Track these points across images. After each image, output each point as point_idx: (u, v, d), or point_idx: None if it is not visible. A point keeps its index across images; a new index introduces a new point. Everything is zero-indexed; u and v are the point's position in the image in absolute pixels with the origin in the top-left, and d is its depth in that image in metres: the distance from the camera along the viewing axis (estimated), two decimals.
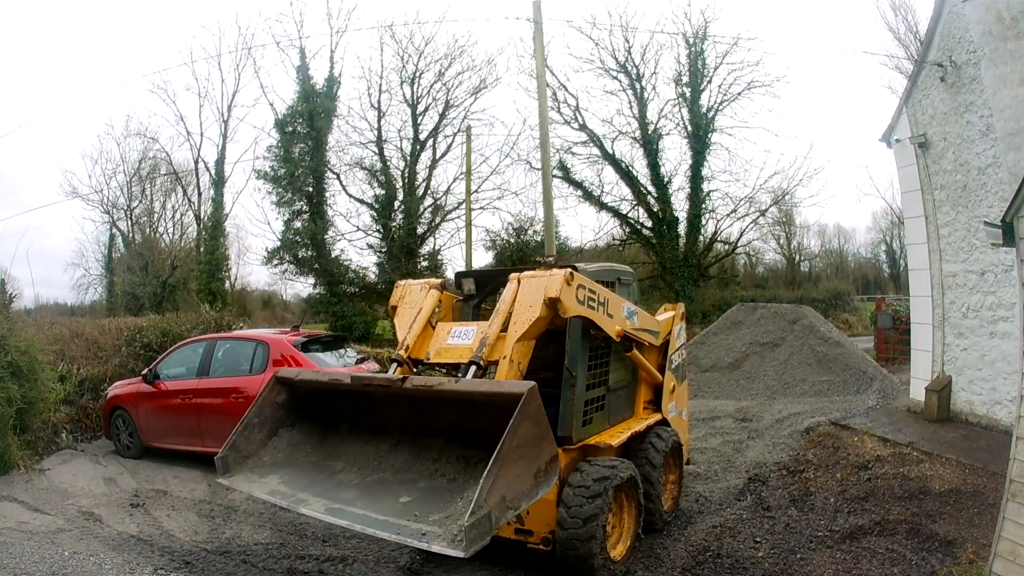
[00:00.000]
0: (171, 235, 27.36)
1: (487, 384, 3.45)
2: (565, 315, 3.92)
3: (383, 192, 20.85)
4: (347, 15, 31.25)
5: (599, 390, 4.73)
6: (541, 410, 3.10)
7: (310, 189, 20.46)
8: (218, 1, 41.16)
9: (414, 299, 4.46)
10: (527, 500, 3.07)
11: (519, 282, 3.98)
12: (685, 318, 6.10)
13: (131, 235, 26.58)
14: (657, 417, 5.42)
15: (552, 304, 3.81)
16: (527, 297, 3.90)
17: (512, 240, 21.32)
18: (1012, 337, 6.74)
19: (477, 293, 4.94)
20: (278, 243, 20.58)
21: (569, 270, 3.94)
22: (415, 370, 4.10)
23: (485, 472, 2.80)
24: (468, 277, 4.96)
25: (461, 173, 20.99)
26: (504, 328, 3.85)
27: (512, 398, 3.01)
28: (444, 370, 4.12)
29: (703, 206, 22.10)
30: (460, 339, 4.05)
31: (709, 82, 21.66)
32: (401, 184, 21.04)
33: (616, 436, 4.68)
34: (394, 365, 4.07)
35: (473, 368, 3.66)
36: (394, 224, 20.57)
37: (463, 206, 20.79)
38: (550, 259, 4.29)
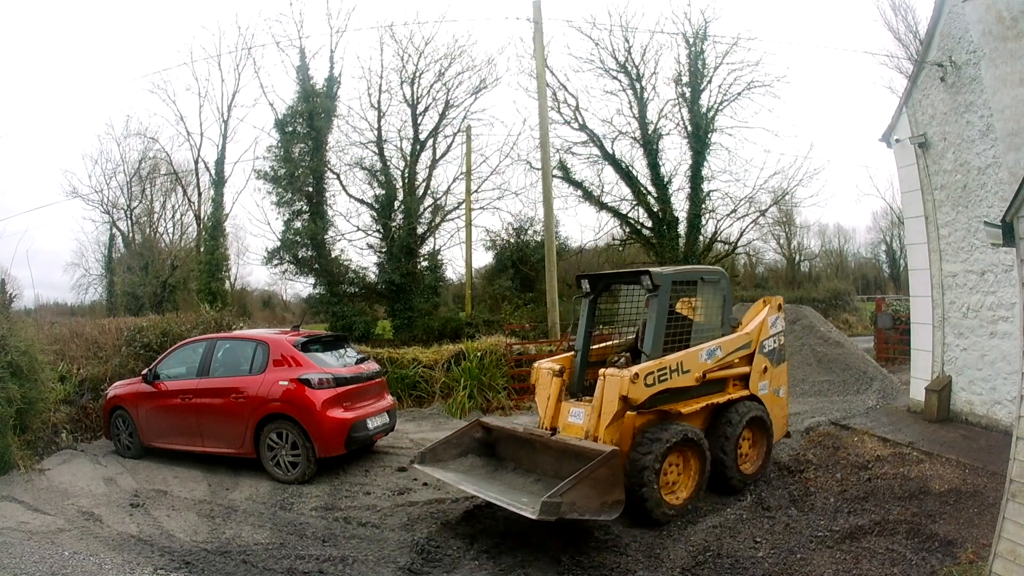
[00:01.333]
0: (171, 235, 27.38)
1: (597, 445, 5.14)
2: (636, 403, 5.32)
3: (383, 192, 20.83)
4: (347, 15, 31.35)
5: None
6: (618, 466, 4.88)
7: (310, 189, 20.43)
8: (218, 1, 41.15)
9: (544, 382, 6.12)
10: (589, 514, 4.65)
11: (605, 379, 5.45)
12: (781, 307, 6.93)
13: (131, 235, 26.58)
14: (744, 393, 6.32)
15: (624, 399, 5.26)
16: (609, 393, 5.38)
17: (512, 240, 21.31)
18: (1012, 337, 6.74)
19: (592, 291, 6.52)
20: (278, 243, 20.54)
21: (634, 372, 5.29)
22: (553, 435, 5.61)
23: (567, 479, 4.59)
24: (585, 279, 6.61)
25: (461, 173, 20.97)
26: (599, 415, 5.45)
27: (601, 453, 4.85)
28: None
29: (703, 206, 22.06)
30: (576, 419, 5.68)
31: (709, 82, 21.62)
32: (401, 184, 21.02)
33: (689, 406, 5.77)
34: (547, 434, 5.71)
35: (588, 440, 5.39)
36: (394, 224, 20.55)
37: (463, 206, 20.77)
38: (622, 364, 6.02)
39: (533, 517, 4.36)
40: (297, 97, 20.36)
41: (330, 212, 20.94)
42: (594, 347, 6.58)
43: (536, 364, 6.30)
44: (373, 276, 20.88)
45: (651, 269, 5.71)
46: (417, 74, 20.71)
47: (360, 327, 18.98)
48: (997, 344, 7.10)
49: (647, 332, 5.73)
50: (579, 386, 6.17)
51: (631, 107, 21.99)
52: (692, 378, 5.70)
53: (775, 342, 6.69)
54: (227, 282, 23.77)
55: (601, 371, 5.49)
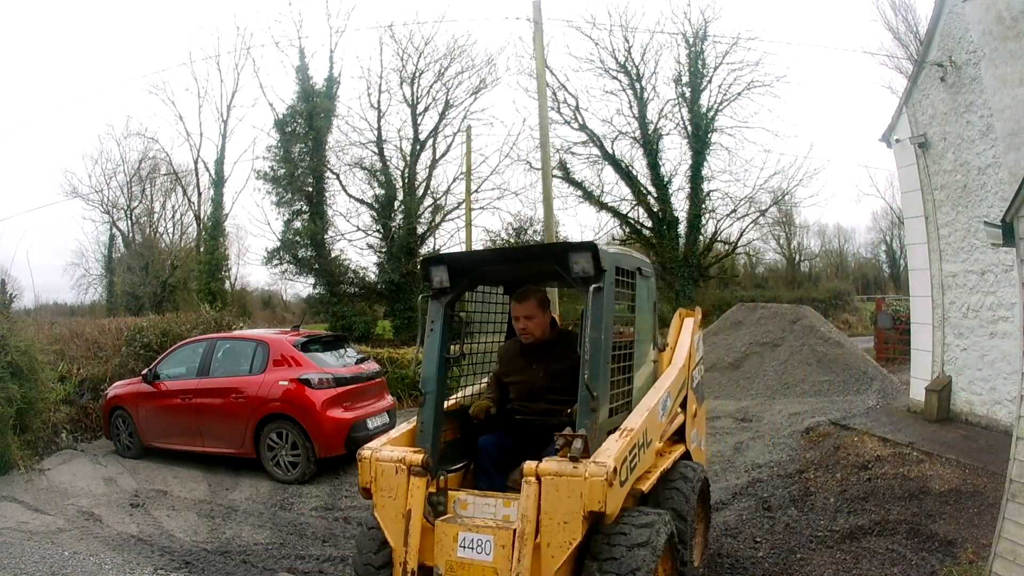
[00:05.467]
0: (171, 235, 27.39)
1: None
2: (609, 522, 2.90)
3: (383, 192, 20.85)
4: (346, 15, 31.39)
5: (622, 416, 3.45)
6: None
7: (310, 189, 20.45)
8: (217, 2, 41.21)
9: (391, 487, 3.22)
10: None
11: (539, 481, 2.85)
12: (702, 324, 5.02)
13: (131, 235, 26.60)
14: (681, 450, 4.18)
15: (595, 516, 2.83)
16: (558, 509, 2.81)
17: (512, 240, 21.32)
18: (1012, 337, 6.74)
19: (451, 287, 3.55)
20: (278, 243, 20.57)
21: (613, 467, 2.82)
22: None
23: None
24: (440, 265, 3.53)
25: (461, 173, 20.99)
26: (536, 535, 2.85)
27: None
28: None
29: (703, 206, 22.09)
30: (475, 552, 3.00)
31: (709, 82, 21.65)
32: (401, 184, 21.03)
33: (645, 479, 3.43)
34: None
35: None
36: (394, 224, 20.57)
37: (463, 206, 20.79)
38: (566, 434, 3.00)
39: None
40: (297, 97, 20.38)
41: (330, 212, 20.99)
42: (455, 396, 3.96)
43: (368, 450, 3.36)
44: (373, 276, 20.90)
45: (597, 245, 3.21)
46: (417, 74, 20.75)
47: (360, 327, 19.00)
48: (997, 344, 7.10)
49: (592, 353, 3.14)
50: (434, 459, 3.35)
51: (631, 107, 22.03)
52: (652, 454, 3.53)
53: (699, 373, 4.80)
54: (227, 282, 23.80)
55: (530, 466, 2.92)
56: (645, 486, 3.39)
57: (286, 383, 6.89)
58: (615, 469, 2.83)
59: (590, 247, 3.18)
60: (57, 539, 5.23)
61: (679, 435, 4.34)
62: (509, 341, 4.09)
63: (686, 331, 4.60)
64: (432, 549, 3.08)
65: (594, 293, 3.18)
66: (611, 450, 2.94)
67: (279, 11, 41.41)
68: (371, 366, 8.04)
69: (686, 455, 4.27)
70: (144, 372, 7.95)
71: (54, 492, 6.59)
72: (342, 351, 7.85)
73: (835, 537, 4.89)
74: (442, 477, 3.32)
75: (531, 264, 3.73)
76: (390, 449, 3.33)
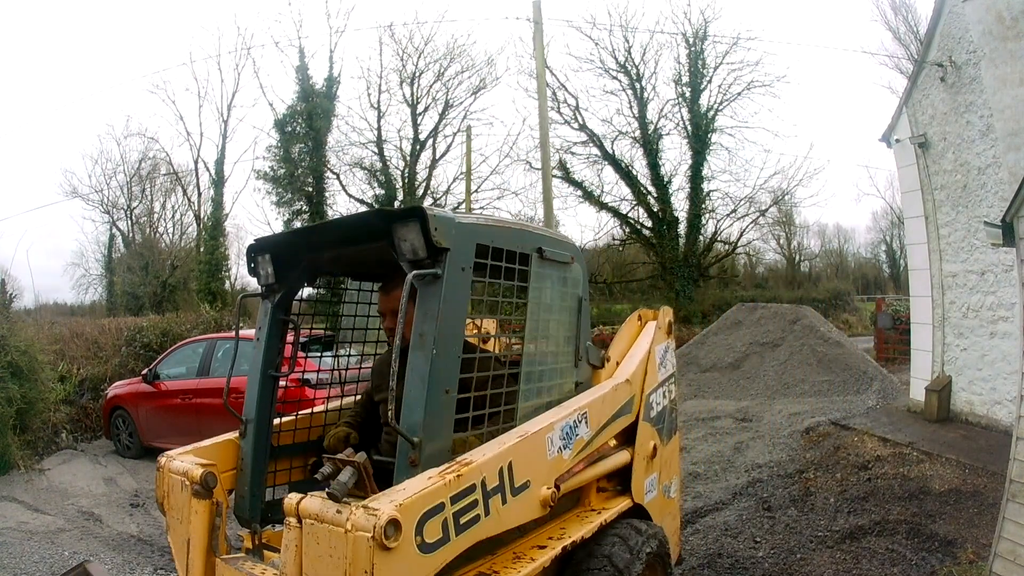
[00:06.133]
0: (171, 235, 27.42)
1: None
2: None
3: (383, 192, 20.87)
4: (346, 15, 31.37)
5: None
6: None
7: (310, 189, 20.47)
8: (217, 2, 41.22)
9: (178, 506, 2.60)
10: None
11: (303, 532, 1.87)
12: (672, 328, 3.49)
13: (131, 235, 26.62)
14: (622, 505, 2.91)
15: None
16: (318, 571, 1.82)
17: None
18: (1012, 337, 6.74)
19: (278, 282, 2.76)
20: None
21: (389, 518, 1.69)
22: None
23: None
24: (265, 254, 2.72)
25: (461, 173, 21.01)
26: None
27: None
28: None
29: (703, 206, 22.11)
30: None
31: (709, 82, 21.67)
32: (401, 184, 21.05)
33: (518, 567, 2.28)
34: None
35: None
36: None
37: (463, 206, 20.79)
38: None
39: None
40: (296, 97, 20.40)
41: (330, 212, 21.00)
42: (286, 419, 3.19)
43: (164, 457, 2.79)
44: None
45: (430, 211, 2.12)
46: (417, 74, 20.78)
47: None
48: (997, 344, 7.10)
49: (410, 376, 2.11)
50: (253, 507, 2.87)
51: (631, 107, 22.06)
52: (535, 504, 2.26)
53: (665, 395, 3.33)
54: (227, 282, 23.78)
55: (291, 501, 1.93)
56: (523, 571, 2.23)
57: (286, 383, 6.88)
58: (394, 522, 1.70)
59: (418, 214, 2.10)
60: (57, 539, 5.23)
61: (623, 484, 3.04)
62: (386, 353, 3.06)
63: (643, 339, 3.24)
64: None
65: (420, 283, 2.12)
66: (403, 491, 1.82)
67: (279, 11, 41.49)
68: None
69: (637, 511, 3.01)
70: (144, 372, 7.95)
71: (54, 492, 6.59)
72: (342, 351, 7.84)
73: (835, 537, 4.89)
74: (259, 532, 2.67)
75: (365, 244, 2.48)
76: (184, 459, 2.67)
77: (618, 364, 3.10)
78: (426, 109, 21.12)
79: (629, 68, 21.72)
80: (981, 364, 7.33)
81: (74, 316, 20.01)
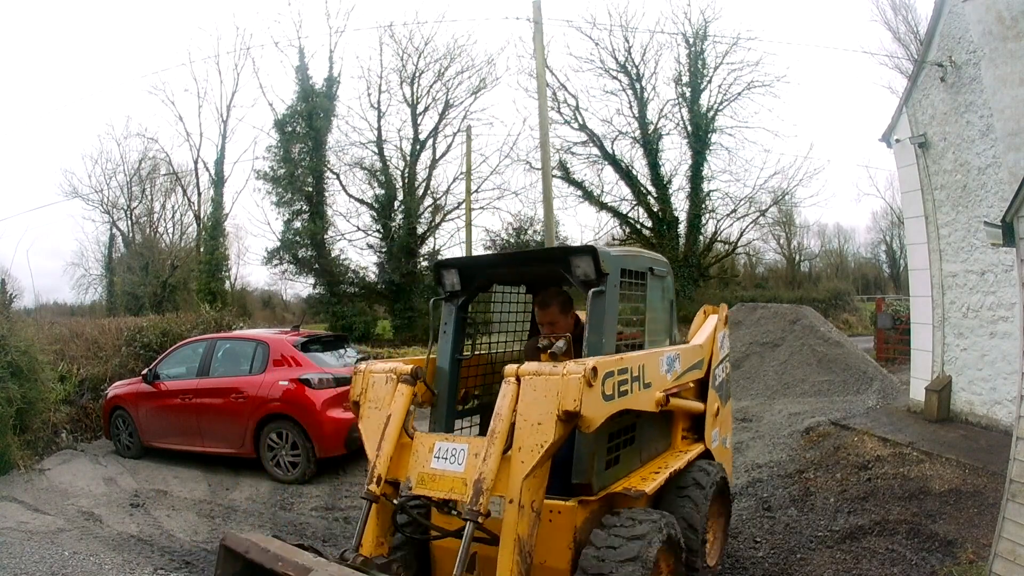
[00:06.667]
0: (171, 235, 27.43)
1: None
2: (590, 429, 2.76)
3: (383, 192, 20.88)
4: (346, 15, 31.36)
5: (627, 418, 3.36)
6: None
7: (310, 189, 20.48)
8: (217, 2, 41.24)
9: (379, 396, 3.26)
10: None
11: (519, 382, 2.76)
12: (728, 320, 4.89)
13: (131, 235, 26.62)
14: (699, 449, 4.20)
15: (570, 418, 2.67)
16: (532, 409, 2.70)
17: (512, 240, 21.34)
18: (1012, 337, 6.74)
19: (462, 290, 3.70)
20: (278, 243, 20.61)
21: (592, 366, 2.65)
22: (395, 503, 3.09)
23: None
24: (451, 269, 3.69)
25: (461, 173, 21.02)
26: (508, 446, 2.75)
27: None
28: (433, 506, 3.22)
29: (703, 206, 22.12)
30: (448, 463, 2.95)
31: (709, 82, 21.68)
32: (401, 184, 21.06)
33: (651, 479, 3.48)
34: (366, 504, 3.01)
35: (470, 527, 2.63)
36: (394, 224, 20.58)
37: (463, 206, 20.81)
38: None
39: None
40: (296, 97, 20.41)
41: (330, 212, 21.04)
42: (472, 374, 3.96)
43: (364, 364, 3.48)
44: (373, 276, 20.93)
45: (598, 248, 3.29)
46: (417, 74, 20.78)
47: (360, 327, 19.02)
48: (997, 344, 7.10)
49: (588, 351, 3.21)
50: (447, 421, 3.68)
51: (631, 107, 22.07)
52: (652, 400, 3.31)
53: (724, 371, 4.72)
54: (227, 282, 23.83)
55: (511, 368, 2.84)
56: (651, 487, 3.36)
57: (286, 383, 6.89)
58: (594, 369, 2.65)
59: (590, 251, 3.23)
60: (57, 539, 5.23)
61: (698, 433, 4.35)
62: (534, 338, 3.99)
63: (708, 325, 4.56)
64: (407, 462, 3.03)
65: (594, 296, 3.23)
66: (599, 358, 2.84)
67: (279, 11, 41.58)
68: None
69: (707, 455, 4.25)
70: (144, 372, 7.95)
71: (54, 492, 6.59)
72: (342, 351, 7.85)
73: (835, 537, 4.89)
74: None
75: (539, 266, 3.78)
76: (386, 363, 3.36)
77: (688, 341, 4.41)
78: (426, 109, 21.14)
79: (629, 68, 21.73)
80: (981, 364, 7.33)
81: (74, 316, 20.02)
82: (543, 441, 2.66)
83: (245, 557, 2.82)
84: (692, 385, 4.14)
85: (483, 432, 3.70)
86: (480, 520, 2.62)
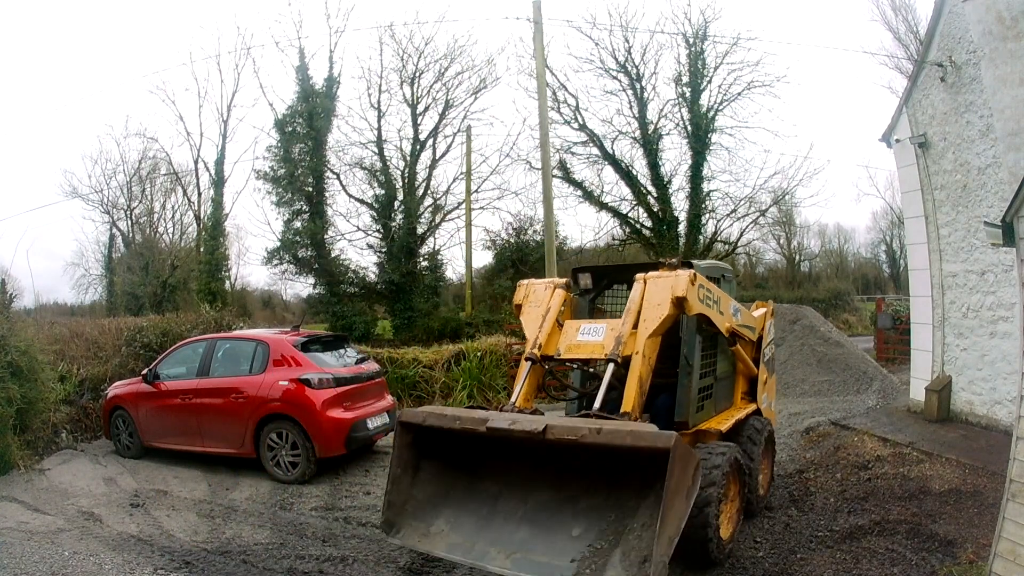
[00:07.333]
0: (171, 235, 27.36)
1: (631, 436, 3.32)
2: (690, 313, 4.23)
3: (383, 192, 20.82)
4: (346, 15, 31.25)
5: (709, 379, 5.15)
6: (688, 451, 3.38)
7: (310, 189, 20.43)
8: (217, 2, 41.21)
9: (539, 298, 4.75)
10: (686, 519, 3.36)
11: (646, 282, 4.28)
12: (774, 312, 6.60)
13: (131, 235, 26.58)
14: (752, 407, 5.76)
15: (679, 303, 4.12)
16: (655, 296, 4.19)
17: (512, 240, 21.32)
18: (1012, 337, 6.74)
19: (593, 288, 5.29)
20: (278, 243, 20.54)
21: (693, 271, 4.23)
22: (547, 367, 4.47)
23: (656, 535, 3.09)
24: (585, 272, 5.23)
25: (461, 173, 20.99)
26: (635, 325, 4.15)
27: (661, 452, 3.16)
28: (576, 365, 4.81)
29: (703, 206, 22.07)
30: (590, 336, 4.30)
31: (709, 82, 21.62)
32: (401, 184, 21.02)
33: (724, 422, 5.07)
34: (527, 364, 4.33)
35: (612, 366, 4.02)
36: (394, 224, 20.55)
37: (463, 206, 20.78)
38: (673, 260, 4.52)
39: None
40: (297, 97, 20.35)
41: (330, 212, 20.96)
42: None
43: (525, 282, 4.98)
44: (373, 276, 20.89)
45: (692, 262, 4.63)
46: (417, 74, 20.73)
47: (360, 327, 18.98)
48: (997, 344, 7.10)
49: (688, 336, 4.93)
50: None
51: (631, 107, 22.01)
52: (724, 325, 4.85)
53: (771, 350, 6.27)
54: (227, 282, 23.78)
55: (640, 274, 4.36)
56: (725, 426, 5.01)
57: (286, 383, 6.89)
58: (695, 275, 4.23)
59: (690, 265, 4.52)
60: (57, 539, 5.23)
61: (752, 396, 5.90)
62: None
63: (759, 310, 6.14)
64: (557, 338, 4.43)
65: None
66: (694, 271, 4.31)
67: (279, 11, 41.45)
68: (371, 366, 8.02)
69: (758, 412, 5.80)
70: (144, 372, 7.95)
71: (54, 492, 6.59)
72: (342, 351, 7.84)
73: (835, 537, 4.89)
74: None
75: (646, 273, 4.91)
76: (545, 280, 4.97)
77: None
78: (426, 109, 21.07)
79: (629, 68, 21.68)
80: (981, 364, 7.33)
81: (74, 316, 20.02)
82: (661, 315, 4.13)
83: (422, 426, 3.90)
84: (750, 345, 5.67)
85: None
86: (618, 361, 4.01)
